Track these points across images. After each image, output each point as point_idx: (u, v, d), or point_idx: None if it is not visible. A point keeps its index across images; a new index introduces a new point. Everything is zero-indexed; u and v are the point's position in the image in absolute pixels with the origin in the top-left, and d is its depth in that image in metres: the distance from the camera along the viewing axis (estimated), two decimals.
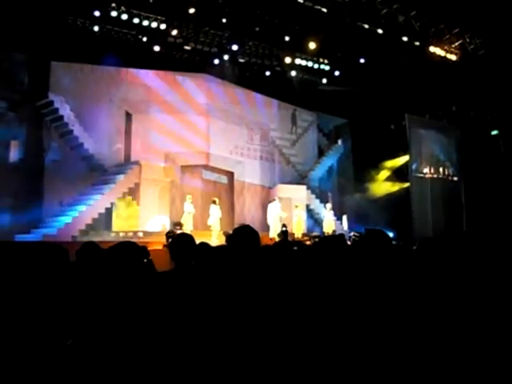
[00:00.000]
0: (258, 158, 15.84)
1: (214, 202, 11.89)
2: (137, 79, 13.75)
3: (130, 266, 1.81)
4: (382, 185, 15.08)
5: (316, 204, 15.77)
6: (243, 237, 2.05)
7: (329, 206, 14.13)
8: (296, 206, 13.72)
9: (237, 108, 15.45)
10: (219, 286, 1.88)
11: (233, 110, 15.40)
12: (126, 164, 12.62)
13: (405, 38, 12.19)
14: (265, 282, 1.88)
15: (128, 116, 13.22)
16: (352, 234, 12.40)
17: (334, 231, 13.51)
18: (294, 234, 12.80)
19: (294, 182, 16.09)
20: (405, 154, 14.77)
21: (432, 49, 12.65)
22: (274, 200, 12.87)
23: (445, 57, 12.78)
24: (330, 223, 13.50)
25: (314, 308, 1.71)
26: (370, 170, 15.39)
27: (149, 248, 2.41)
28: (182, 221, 11.21)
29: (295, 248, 2.72)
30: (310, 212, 15.71)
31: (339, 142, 17.43)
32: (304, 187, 15.50)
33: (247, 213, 15.19)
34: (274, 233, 12.13)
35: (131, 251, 1.89)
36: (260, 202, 14.76)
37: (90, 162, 12.06)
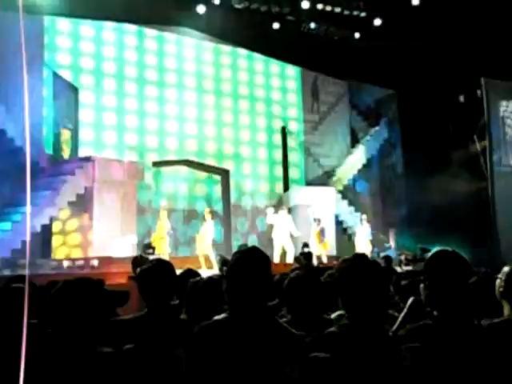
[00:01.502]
0: (263, 148, 15.91)
1: (205, 216, 12.01)
2: (85, 37, 13.55)
3: (79, 318, 1.93)
4: (446, 184, 14.46)
5: (348, 213, 15.80)
6: (247, 265, 2.08)
7: (364, 216, 14.03)
8: (315, 220, 13.53)
9: (233, 76, 15.48)
10: (213, 343, 1.92)
11: (227, 80, 15.33)
12: (73, 160, 12.65)
13: None
14: (287, 339, 1.94)
15: (73, 91, 13.20)
16: (403, 256, 12.14)
17: (375, 252, 13.51)
18: (318, 258, 12.77)
19: (317, 182, 16.26)
20: (481, 138, 14.64)
21: None
22: (282, 210, 13.05)
23: None
24: (364, 241, 13.52)
25: None
26: (427, 163, 15.05)
27: (107, 282, 2.71)
28: (155, 241, 11.44)
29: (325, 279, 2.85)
30: (339, 225, 15.69)
31: (382, 123, 17.44)
32: (331, 189, 15.55)
33: (250, 228, 15.18)
34: (278, 256, 12.40)
35: (82, 292, 1.98)
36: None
37: (18, 159, 11.45)
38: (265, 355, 1.92)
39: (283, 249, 12.61)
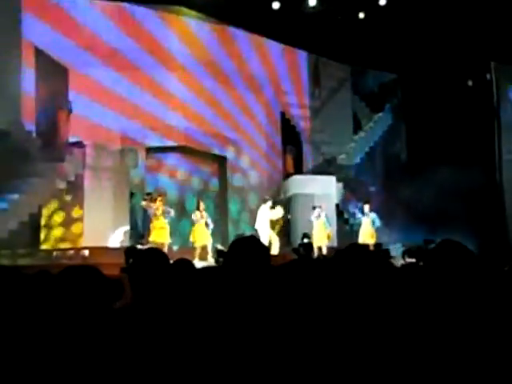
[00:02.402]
0: (262, 134, 15.94)
1: (198, 207, 11.98)
2: (74, 16, 13.34)
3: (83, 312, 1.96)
4: (453, 173, 14.40)
5: (351, 203, 15.93)
6: (245, 255, 2.11)
7: (367, 206, 13.95)
8: (315, 207, 13.60)
9: (229, 60, 15.33)
10: (208, 335, 1.93)
11: (223, 63, 15.20)
12: (62, 146, 12.58)
13: None
14: (284, 330, 1.93)
15: (63, 72, 12.98)
16: (405, 248, 12.07)
17: (376, 244, 13.28)
18: (318, 249, 12.88)
19: (318, 170, 16.39)
20: (490, 125, 14.54)
21: None
22: (267, 200, 13.04)
23: None
24: (368, 232, 13.51)
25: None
26: (433, 151, 15.11)
27: None
28: (155, 231, 11.30)
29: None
30: (341, 215, 15.66)
31: (386, 108, 17.45)
32: (332, 178, 15.45)
33: (248, 218, 15.10)
34: (276, 248, 12.50)
35: (84, 284, 2.01)
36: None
37: (4, 144, 11.61)
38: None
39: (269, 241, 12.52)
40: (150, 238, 11.02)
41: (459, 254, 2.12)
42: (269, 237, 12.44)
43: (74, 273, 2.06)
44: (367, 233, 13.39)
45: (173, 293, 2.62)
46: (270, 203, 12.90)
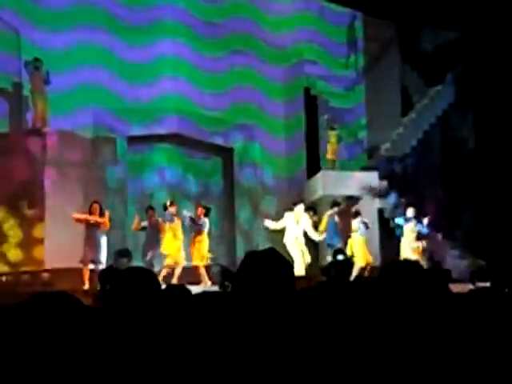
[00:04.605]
0: (279, 117, 16.05)
1: (205, 209, 12.33)
2: None
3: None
4: None
5: (397, 208, 15.79)
6: (260, 276, 2.16)
7: (410, 211, 14.09)
8: (355, 214, 13.76)
9: (237, 17, 15.41)
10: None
11: (229, 22, 15.32)
12: (14, 135, 12.94)
13: None
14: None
15: (13, 33, 13.19)
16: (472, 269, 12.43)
17: (436, 263, 13.66)
18: (361, 268, 13.18)
19: (354, 164, 16.51)
20: None
21: None
22: (299, 204, 13.16)
23: None
24: (411, 245, 13.72)
25: None
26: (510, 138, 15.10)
27: None
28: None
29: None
30: (385, 224, 15.69)
31: (447, 80, 17.39)
32: (374, 175, 15.74)
33: (263, 228, 14.70)
34: (301, 265, 12.60)
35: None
36: (288, 206, 14.01)
37: None
38: None
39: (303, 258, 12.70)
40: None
41: None
42: (300, 253, 12.54)
43: (44, 303, 1.96)
44: (409, 246, 13.56)
45: (164, 329, 2.57)
46: (301, 207, 12.87)
